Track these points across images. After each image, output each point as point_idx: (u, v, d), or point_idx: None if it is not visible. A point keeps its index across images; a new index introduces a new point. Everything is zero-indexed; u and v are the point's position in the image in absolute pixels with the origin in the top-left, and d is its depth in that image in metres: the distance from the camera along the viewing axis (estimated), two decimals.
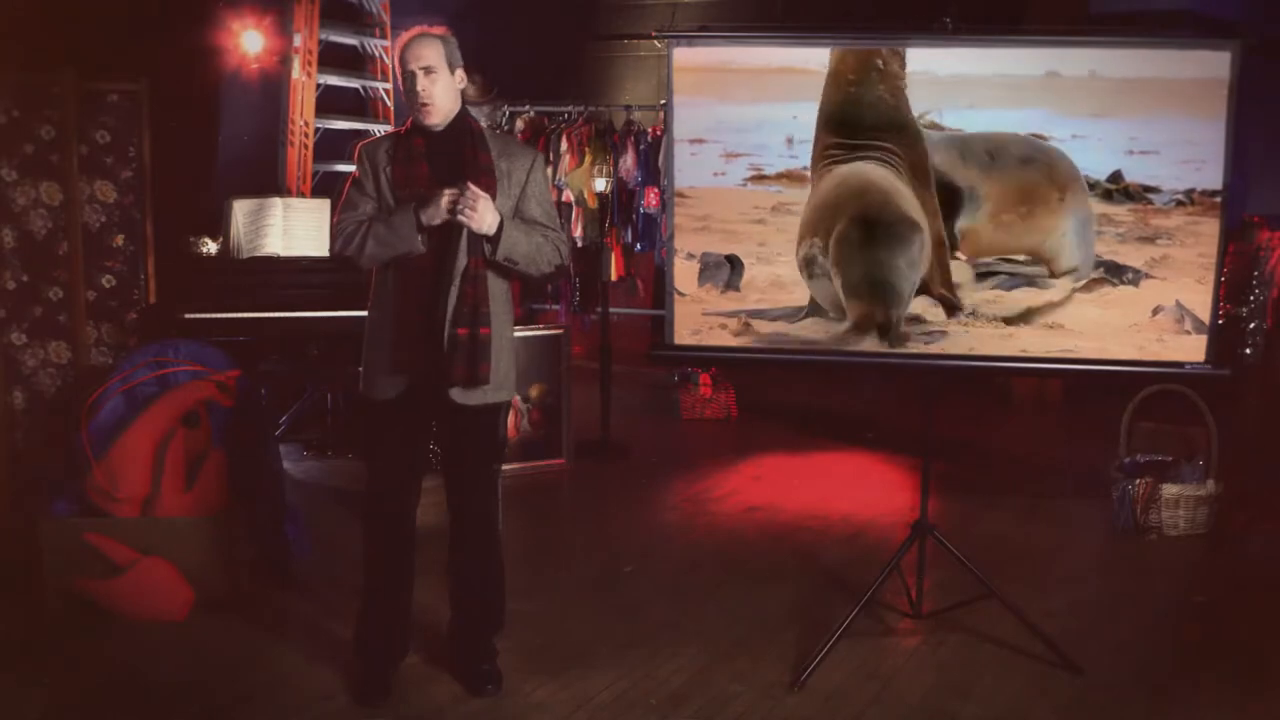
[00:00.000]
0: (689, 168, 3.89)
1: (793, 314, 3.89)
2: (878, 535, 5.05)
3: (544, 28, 8.98)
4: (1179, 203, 3.69)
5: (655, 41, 4.04)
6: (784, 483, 5.97)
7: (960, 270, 3.79)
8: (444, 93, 3.31)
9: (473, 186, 3.22)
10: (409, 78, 3.29)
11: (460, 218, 3.22)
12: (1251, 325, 6.10)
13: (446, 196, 3.21)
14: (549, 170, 6.85)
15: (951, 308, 3.79)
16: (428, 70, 3.27)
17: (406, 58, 3.29)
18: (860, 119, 3.74)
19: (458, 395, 3.34)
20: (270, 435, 4.82)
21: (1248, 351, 6.11)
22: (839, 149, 3.76)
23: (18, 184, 4.98)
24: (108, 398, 4.34)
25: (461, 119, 3.37)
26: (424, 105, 3.29)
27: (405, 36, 3.33)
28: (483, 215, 3.23)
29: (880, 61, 3.71)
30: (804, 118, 3.79)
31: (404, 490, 3.48)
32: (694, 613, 4.16)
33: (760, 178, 3.85)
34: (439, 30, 3.36)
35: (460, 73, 3.37)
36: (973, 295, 3.79)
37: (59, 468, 4.50)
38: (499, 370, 3.39)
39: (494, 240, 3.28)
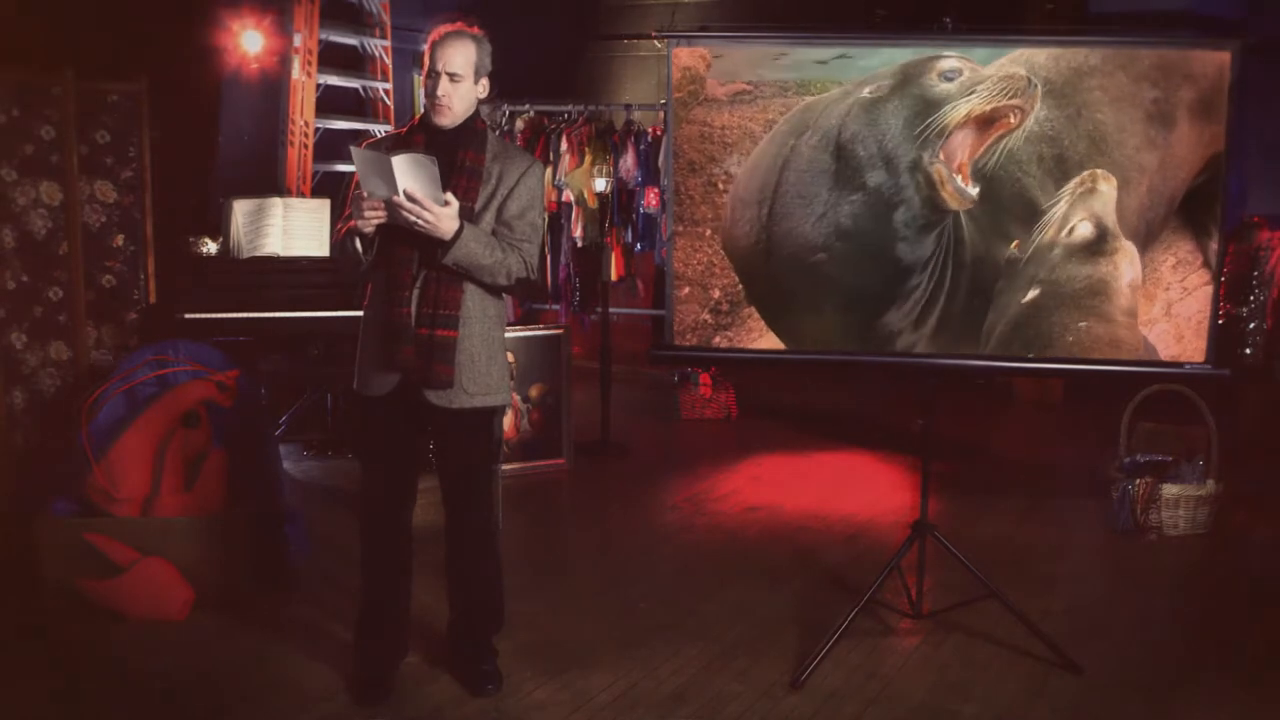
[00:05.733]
0: None
1: None
2: (878, 535, 5.05)
3: (544, 28, 8.98)
4: None
5: (655, 41, 4.04)
6: (784, 483, 5.97)
7: None
8: (462, 99, 3.29)
9: (399, 198, 3.10)
10: (433, 76, 3.26)
11: (416, 227, 3.15)
12: (1251, 325, 6.10)
13: (365, 204, 3.15)
14: (549, 171, 6.84)
15: None
16: (453, 77, 3.25)
17: (436, 56, 3.25)
18: None
19: (435, 398, 3.31)
20: (270, 435, 4.82)
21: (1248, 351, 6.11)
22: None
23: (18, 184, 4.98)
24: (108, 398, 4.34)
25: (470, 120, 3.35)
26: (439, 106, 3.27)
27: (441, 31, 3.28)
28: (435, 225, 3.14)
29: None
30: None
31: (398, 488, 3.46)
32: (694, 613, 4.16)
33: None
34: (475, 31, 3.31)
35: (485, 82, 3.34)
36: None
37: (59, 468, 4.49)
38: (477, 374, 3.34)
39: (449, 245, 3.19)
